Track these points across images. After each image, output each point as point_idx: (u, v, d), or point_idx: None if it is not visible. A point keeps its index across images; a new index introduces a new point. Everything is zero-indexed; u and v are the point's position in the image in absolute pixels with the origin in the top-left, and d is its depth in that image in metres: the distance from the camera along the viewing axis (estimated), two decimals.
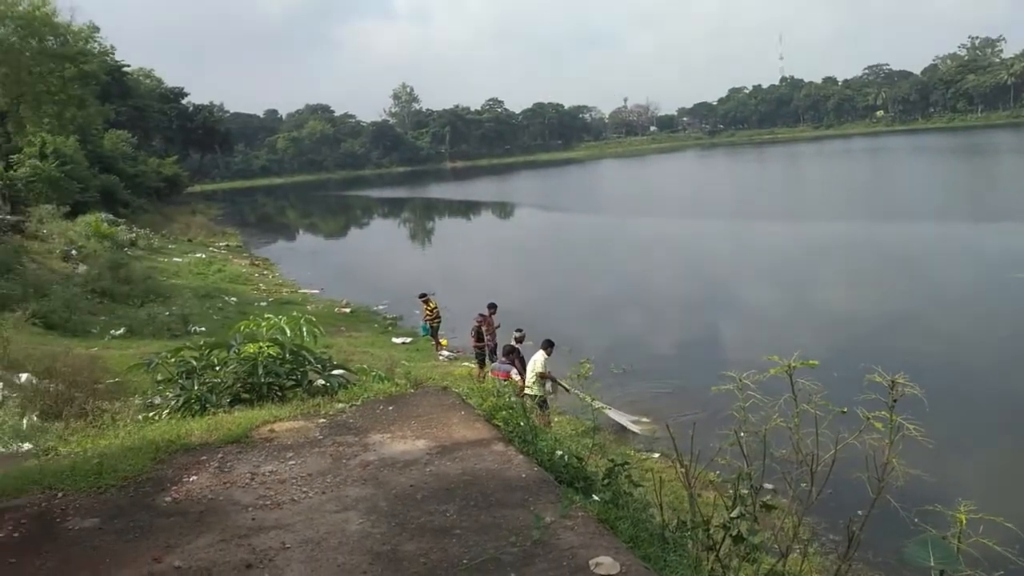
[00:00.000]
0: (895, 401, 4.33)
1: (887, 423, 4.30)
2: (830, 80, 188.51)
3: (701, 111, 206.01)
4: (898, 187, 54.09)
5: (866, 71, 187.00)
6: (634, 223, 45.47)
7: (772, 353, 4.75)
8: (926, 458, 4.55)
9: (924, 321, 19.86)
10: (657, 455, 9.63)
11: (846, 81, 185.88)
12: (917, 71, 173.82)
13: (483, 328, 15.66)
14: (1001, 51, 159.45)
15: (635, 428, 12.48)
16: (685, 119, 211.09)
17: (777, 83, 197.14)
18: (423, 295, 19.27)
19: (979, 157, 76.55)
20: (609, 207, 56.64)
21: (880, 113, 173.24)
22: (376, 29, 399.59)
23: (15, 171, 39.15)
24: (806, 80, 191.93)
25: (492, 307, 16.41)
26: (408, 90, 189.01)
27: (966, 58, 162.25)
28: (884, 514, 4.59)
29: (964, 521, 3.87)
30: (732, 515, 4.49)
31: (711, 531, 4.60)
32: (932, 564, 3.39)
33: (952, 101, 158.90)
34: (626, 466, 5.50)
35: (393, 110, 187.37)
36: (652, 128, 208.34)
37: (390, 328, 21.99)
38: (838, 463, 4.58)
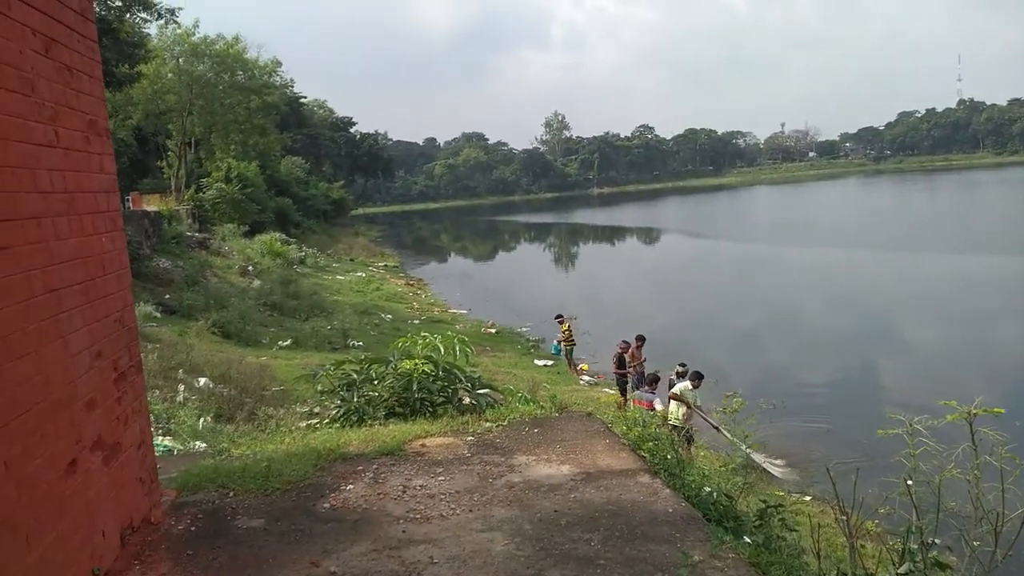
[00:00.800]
0: None
1: None
2: (1016, 102, 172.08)
3: (866, 136, 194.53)
4: None
5: None
6: (786, 252, 43.45)
7: (938, 397, 4.39)
8: None
9: None
10: (809, 498, 9.07)
11: None
12: None
13: (625, 356, 15.44)
14: None
15: (774, 470, 11.80)
16: (848, 144, 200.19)
17: (953, 106, 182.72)
18: (559, 317, 19.75)
19: None
20: (759, 235, 54.53)
21: None
22: (532, 58, 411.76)
23: (204, 193, 43.44)
24: (987, 103, 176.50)
25: (640, 339, 16.11)
26: (560, 118, 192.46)
27: None
28: None
29: None
30: (900, 571, 4.16)
31: None
32: None
33: None
34: (780, 508, 5.23)
35: (544, 137, 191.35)
36: (811, 154, 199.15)
37: (532, 350, 22.24)
38: None
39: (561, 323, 19.69)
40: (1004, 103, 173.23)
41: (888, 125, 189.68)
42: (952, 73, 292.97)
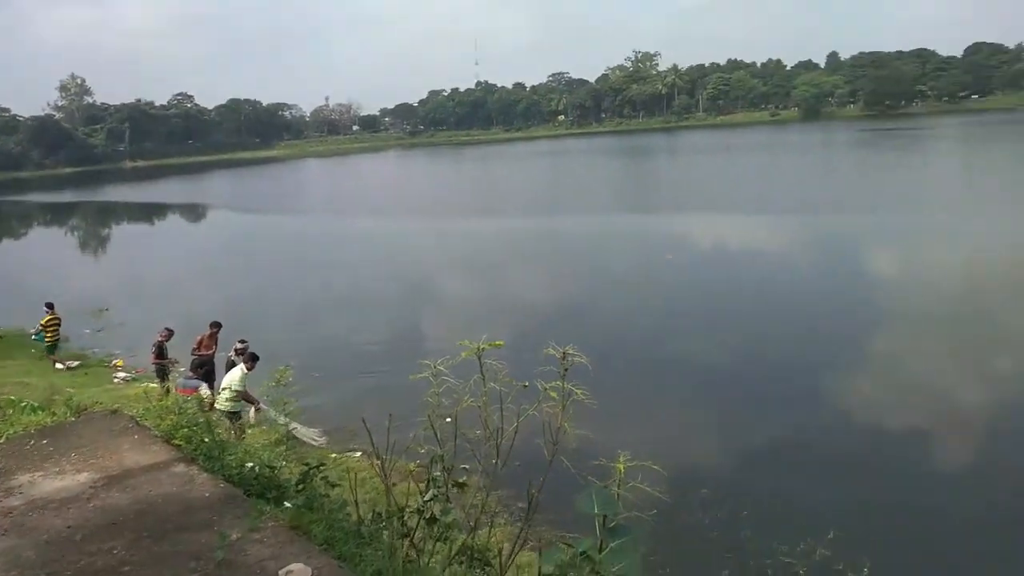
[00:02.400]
0: (566, 370, 4.64)
1: (560, 391, 4.60)
2: (519, 86, 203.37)
3: (402, 112, 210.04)
4: (578, 185, 60.25)
5: (550, 78, 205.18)
6: (336, 223, 45.04)
7: (465, 338, 4.89)
8: (595, 419, 5.00)
9: (596, 300, 22.44)
10: (359, 454, 9.55)
11: (533, 87, 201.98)
12: (592, 80, 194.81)
13: (165, 344, 14.01)
14: (657, 64, 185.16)
15: (316, 442, 12.05)
16: (387, 119, 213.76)
17: (473, 87, 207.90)
18: (49, 304, 17.73)
19: (642, 157, 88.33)
20: (311, 207, 55.46)
21: (561, 118, 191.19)
22: (36, 11, 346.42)
23: None
24: (499, 85, 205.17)
25: (216, 326, 14.13)
26: (79, 81, 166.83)
27: (631, 69, 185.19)
28: (564, 476, 4.96)
29: (622, 470, 4.29)
30: (425, 498, 4.55)
31: (405, 518, 4.62)
32: (596, 511, 3.69)
33: (620, 107, 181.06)
34: (322, 468, 5.32)
35: (60, 103, 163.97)
36: (355, 127, 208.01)
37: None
38: (524, 435, 4.84)
39: (49, 312, 17.44)
40: (510, 86, 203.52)
41: (421, 102, 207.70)
42: (472, 57, 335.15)
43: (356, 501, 4.94)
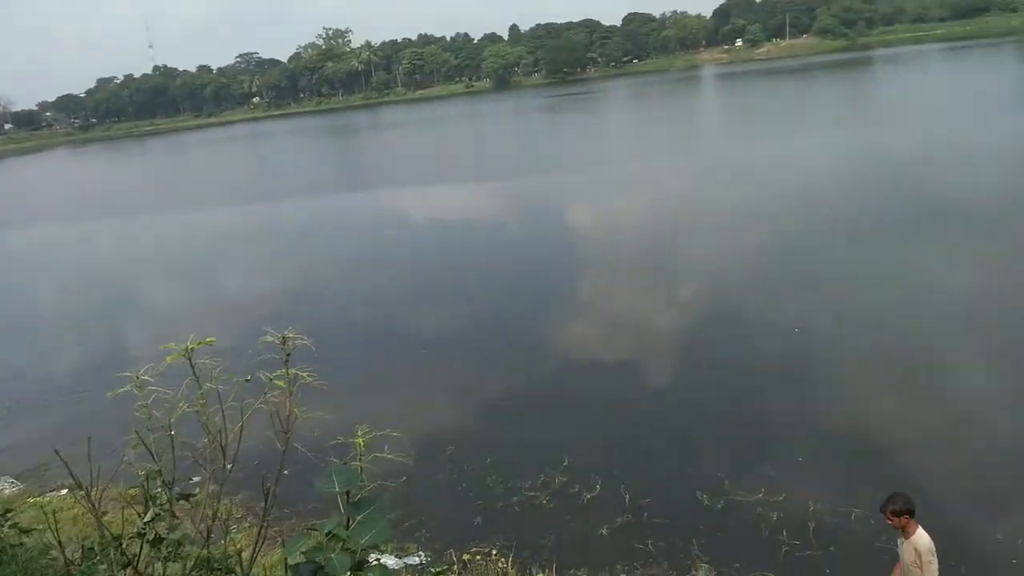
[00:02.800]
0: (288, 355, 4.42)
1: (286, 378, 4.38)
2: (205, 69, 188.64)
3: (67, 104, 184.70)
4: (283, 168, 57.92)
5: (238, 59, 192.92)
6: None
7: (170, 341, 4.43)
8: (329, 400, 4.84)
9: (318, 283, 21.98)
10: (65, 491, 8.37)
11: (220, 69, 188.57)
12: (285, 59, 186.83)
13: None
14: (350, 42, 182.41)
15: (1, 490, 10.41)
16: (49, 114, 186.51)
17: (150, 72, 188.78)
18: None
19: (346, 136, 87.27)
20: None
21: (256, 100, 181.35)
22: None
23: None
24: (180, 69, 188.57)
25: None
26: None
27: (324, 47, 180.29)
28: (305, 464, 4.75)
29: (362, 444, 4.21)
30: (146, 519, 4.08)
31: (124, 546, 4.11)
32: (337, 489, 3.57)
33: (317, 86, 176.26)
34: (8, 515, 4.52)
35: None
36: (7, 126, 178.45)
37: None
38: (255, 430, 4.54)
39: None
40: (194, 70, 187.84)
41: (89, 92, 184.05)
42: (144, 40, 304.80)
43: (60, 542, 4.28)
